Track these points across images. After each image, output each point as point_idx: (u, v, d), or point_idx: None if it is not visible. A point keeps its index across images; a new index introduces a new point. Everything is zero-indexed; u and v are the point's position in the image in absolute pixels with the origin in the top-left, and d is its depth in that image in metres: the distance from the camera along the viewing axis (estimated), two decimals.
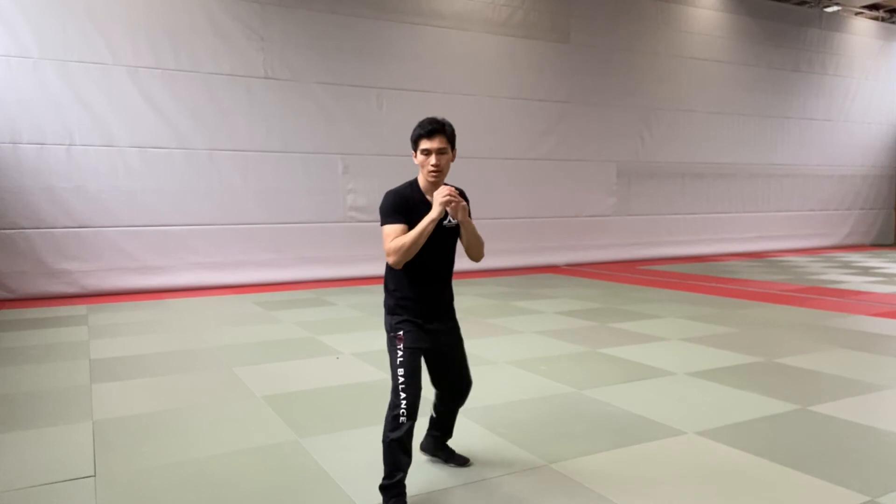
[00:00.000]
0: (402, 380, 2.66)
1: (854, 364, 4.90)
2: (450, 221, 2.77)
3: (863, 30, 16.19)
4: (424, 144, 2.69)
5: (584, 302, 7.94)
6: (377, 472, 2.67)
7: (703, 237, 14.23)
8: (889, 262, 12.50)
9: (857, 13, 16.04)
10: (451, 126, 2.76)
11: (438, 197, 2.61)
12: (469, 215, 2.78)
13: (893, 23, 16.70)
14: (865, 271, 10.95)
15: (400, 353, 2.71)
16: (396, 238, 2.64)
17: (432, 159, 2.68)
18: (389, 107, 10.61)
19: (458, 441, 3.42)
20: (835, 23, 15.65)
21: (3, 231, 8.43)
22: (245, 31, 9.64)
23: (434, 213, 2.61)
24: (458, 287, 10.80)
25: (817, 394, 4.16)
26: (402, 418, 2.63)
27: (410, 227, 2.66)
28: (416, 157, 2.75)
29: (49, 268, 8.63)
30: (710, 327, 6.31)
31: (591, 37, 12.58)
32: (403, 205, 2.70)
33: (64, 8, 8.56)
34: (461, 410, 3.88)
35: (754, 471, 3.00)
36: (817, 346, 5.51)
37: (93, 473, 3.05)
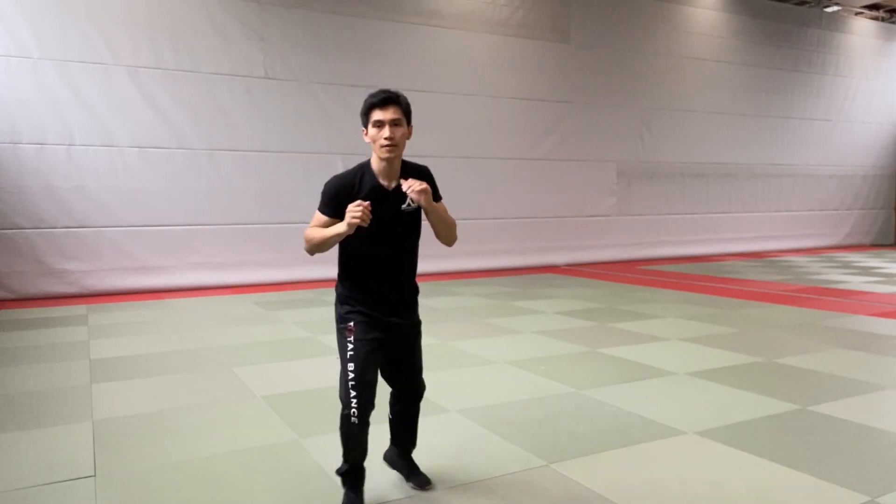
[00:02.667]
0: (351, 376, 2.45)
1: (854, 364, 4.90)
2: (409, 205, 2.47)
3: (863, 30, 16.19)
4: (377, 115, 2.41)
5: (584, 302, 7.94)
6: (378, 472, 2.68)
7: (704, 237, 14.23)
8: (889, 262, 12.50)
9: (857, 13, 16.04)
10: (406, 98, 2.49)
11: (349, 213, 2.30)
12: (438, 196, 2.56)
13: (893, 23, 16.70)
14: (865, 271, 10.95)
15: (350, 346, 2.49)
16: (313, 228, 2.47)
17: (385, 131, 2.39)
18: None
19: (458, 441, 3.42)
20: (835, 23, 15.65)
21: (3, 231, 8.43)
22: (245, 31, 9.64)
23: (341, 228, 2.34)
24: (457, 287, 10.74)
25: (817, 394, 4.16)
26: (353, 419, 2.46)
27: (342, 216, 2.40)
28: (366, 133, 2.46)
29: (49, 268, 8.63)
30: (710, 327, 6.31)
31: (591, 37, 12.58)
32: (341, 194, 2.45)
33: (64, 8, 8.56)
34: (459, 410, 3.89)
35: (754, 471, 3.00)
36: (817, 346, 5.51)
37: (93, 473, 3.05)
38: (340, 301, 2.60)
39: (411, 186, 2.38)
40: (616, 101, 12.94)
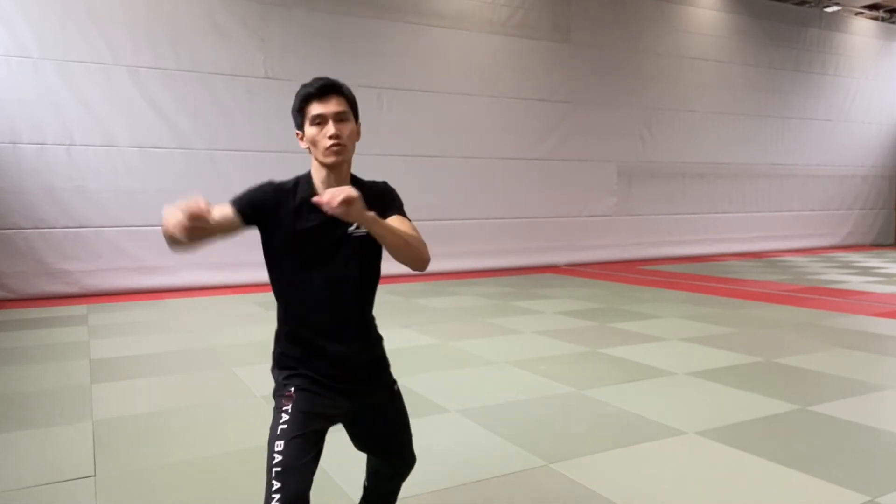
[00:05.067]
0: (277, 459, 1.71)
1: (854, 364, 4.90)
2: (359, 227, 1.83)
3: (863, 30, 16.19)
4: (315, 108, 1.85)
5: (584, 302, 7.94)
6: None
7: (704, 237, 14.23)
8: (889, 262, 12.50)
9: (857, 13, 16.04)
10: (349, 88, 1.93)
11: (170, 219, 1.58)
12: (396, 212, 1.91)
13: (893, 23, 16.70)
14: (865, 271, 10.95)
15: (285, 417, 1.79)
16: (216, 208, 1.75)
17: (329, 128, 1.82)
18: (389, 107, 10.60)
19: (458, 441, 3.42)
20: (835, 23, 15.65)
21: (3, 231, 8.43)
22: (245, 31, 9.64)
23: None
24: (457, 287, 10.70)
25: (817, 394, 4.16)
26: None
27: (283, 240, 1.86)
28: (301, 137, 1.90)
29: (49, 268, 8.62)
30: (710, 327, 6.31)
31: (591, 37, 12.58)
32: (266, 203, 1.85)
33: (64, 8, 8.56)
34: (459, 410, 3.89)
35: (754, 471, 3.00)
36: (817, 346, 5.51)
37: (93, 473, 3.05)
38: (278, 365, 1.95)
39: (323, 200, 1.62)
40: (616, 101, 12.94)
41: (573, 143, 12.53)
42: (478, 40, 11.49)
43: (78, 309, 7.75)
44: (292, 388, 1.85)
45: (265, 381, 4.53)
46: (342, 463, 3.13)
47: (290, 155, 10.06)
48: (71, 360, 5.24)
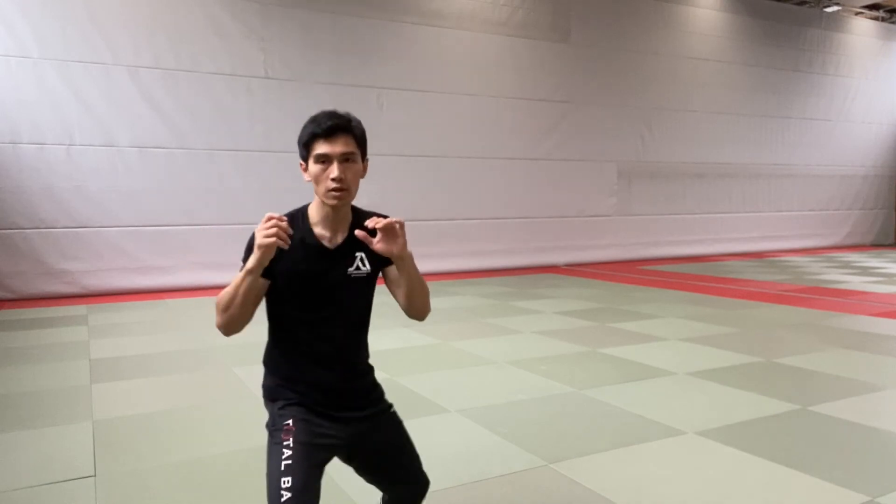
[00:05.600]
0: (286, 497, 1.67)
1: (854, 364, 4.90)
2: (359, 268, 1.89)
3: (863, 30, 16.19)
4: (321, 148, 1.80)
5: (584, 302, 7.94)
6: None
7: (704, 237, 14.23)
8: (889, 262, 12.50)
9: (857, 13, 16.04)
10: (360, 124, 1.89)
11: (258, 233, 1.70)
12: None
13: (893, 23, 16.70)
14: (865, 271, 10.95)
15: (287, 452, 1.76)
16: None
17: (333, 170, 1.78)
18: (389, 107, 10.60)
19: (457, 441, 3.42)
20: (835, 23, 15.65)
21: (3, 231, 8.43)
22: (245, 31, 9.64)
23: (251, 262, 1.72)
24: (457, 287, 10.71)
25: (817, 394, 4.16)
26: None
27: (282, 278, 1.84)
28: (306, 170, 1.87)
29: (49, 268, 8.62)
30: (710, 327, 6.31)
31: (591, 37, 12.58)
32: None
33: (64, 8, 8.56)
34: (459, 410, 3.89)
35: (754, 471, 3.00)
36: (817, 346, 5.51)
37: (93, 473, 3.05)
38: (270, 397, 1.93)
39: (377, 223, 1.76)
40: (616, 101, 12.94)
41: (573, 143, 12.53)
42: (478, 40, 11.49)
43: (78, 309, 7.75)
44: (289, 421, 1.82)
45: None
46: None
47: (290, 155, 10.06)
48: (71, 360, 5.24)
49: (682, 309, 7.37)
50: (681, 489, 2.83)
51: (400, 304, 1.95)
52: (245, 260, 1.79)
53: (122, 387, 4.51)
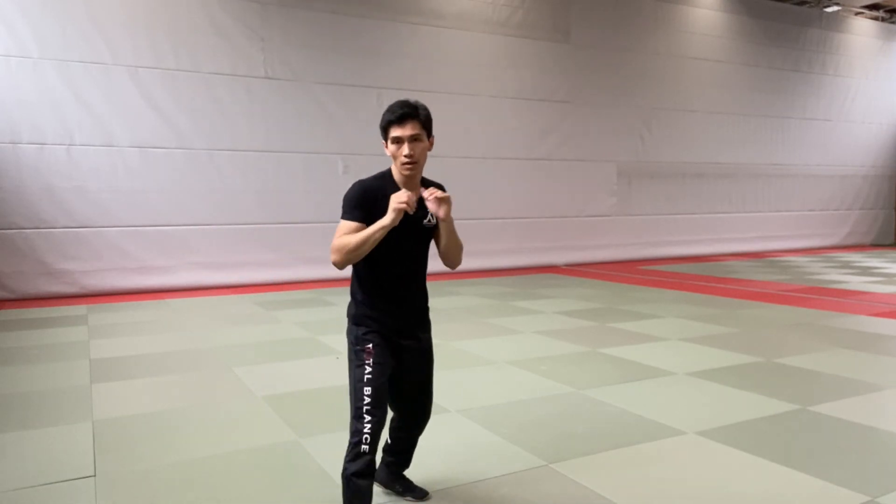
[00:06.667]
0: (367, 401, 2.31)
1: (854, 364, 4.90)
2: (430, 220, 2.47)
3: (863, 30, 16.19)
4: (395, 132, 2.37)
5: (584, 302, 7.94)
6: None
7: (704, 237, 14.23)
8: (889, 262, 12.50)
9: (857, 13, 16.04)
10: (425, 109, 2.44)
11: (394, 202, 2.26)
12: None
13: (893, 23, 16.70)
14: (865, 271, 10.95)
15: (368, 369, 2.36)
16: (344, 236, 2.32)
17: (405, 149, 2.35)
18: None
19: (458, 441, 3.42)
20: (835, 23, 15.65)
21: (3, 231, 8.43)
22: (245, 31, 9.64)
23: (387, 220, 2.27)
24: (457, 287, 10.73)
25: (817, 394, 4.16)
26: (363, 446, 2.27)
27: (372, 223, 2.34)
28: (387, 147, 2.43)
29: (49, 268, 8.62)
30: (710, 327, 6.31)
31: (591, 37, 12.58)
32: (368, 199, 2.38)
33: (64, 8, 8.56)
34: (459, 410, 3.90)
35: (754, 471, 3.00)
36: (817, 346, 5.51)
37: (93, 473, 3.05)
38: (356, 321, 2.48)
39: (433, 193, 2.34)
40: (616, 101, 12.94)
41: (573, 143, 12.53)
42: (478, 40, 11.49)
43: (78, 309, 7.75)
44: (370, 345, 2.39)
45: (265, 381, 4.54)
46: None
47: (291, 155, 10.08)
48: (71, 361, 5.24)
49: (682, 309, 7.37)
50: (681, 489, 2.83)
51: (439, 253, 2.54)
52: (349, 212, 2.37)
53: (122, 387, 4.51)
